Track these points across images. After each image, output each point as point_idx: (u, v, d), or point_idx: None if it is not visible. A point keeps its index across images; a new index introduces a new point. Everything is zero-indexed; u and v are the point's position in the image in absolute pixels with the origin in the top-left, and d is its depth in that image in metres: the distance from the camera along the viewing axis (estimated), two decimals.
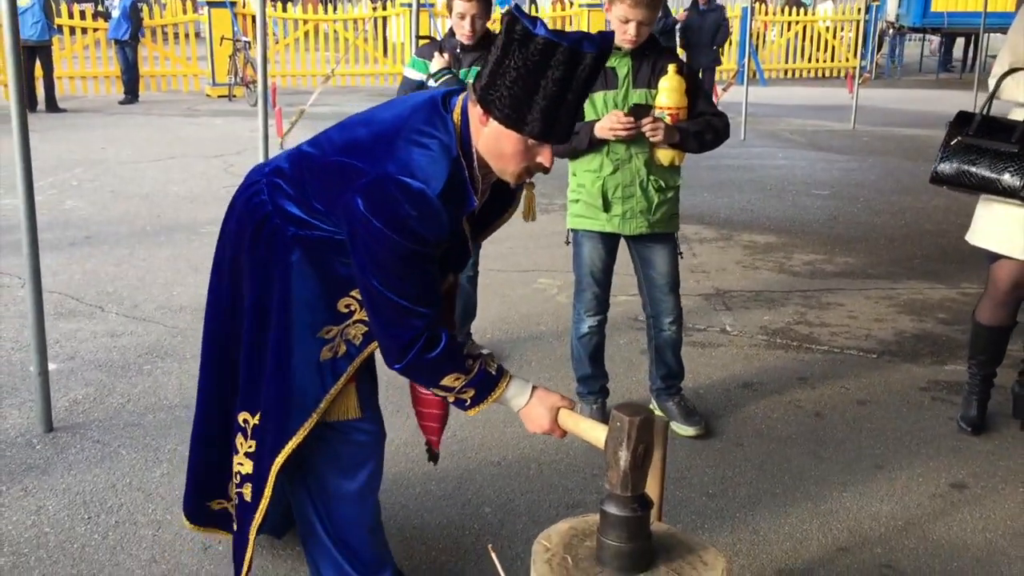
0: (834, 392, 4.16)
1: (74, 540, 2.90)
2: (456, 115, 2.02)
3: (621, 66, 3.38)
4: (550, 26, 1.87)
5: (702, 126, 3.37)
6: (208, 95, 15.20)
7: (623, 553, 1.99)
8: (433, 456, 2.64)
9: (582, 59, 1.83)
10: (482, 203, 2.16)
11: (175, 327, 4.74)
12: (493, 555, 1.86)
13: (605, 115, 3.32)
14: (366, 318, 2.13)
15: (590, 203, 3.48)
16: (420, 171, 1.94)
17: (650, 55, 3.39)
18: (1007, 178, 3.35)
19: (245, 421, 2.28)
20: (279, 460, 2.24)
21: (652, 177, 3.45)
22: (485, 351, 2.20)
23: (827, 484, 3.35)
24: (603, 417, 3.67)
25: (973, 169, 3.44)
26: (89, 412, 3.77)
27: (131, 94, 14.03)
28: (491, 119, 1.91)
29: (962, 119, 3.58)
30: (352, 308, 2.15)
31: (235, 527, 2.43)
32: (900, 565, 2.88)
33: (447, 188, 1.95)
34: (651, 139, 3.29)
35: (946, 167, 3.52)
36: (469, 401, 2.09)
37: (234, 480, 2.38)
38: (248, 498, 2.32)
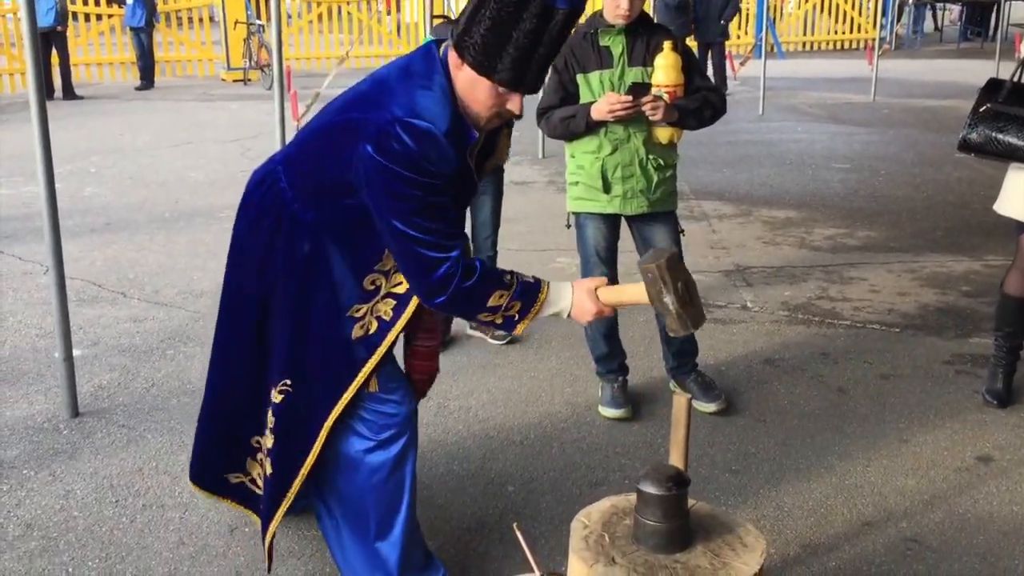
0: (857, 367, 4.13)
1: (102, 523, 2.93)
2: (440, 57, 2.10)
3: (615, 44, 3.35)
4: None
5: (700, 102, 3.35)
6: (223, 79, 15.22)
7: (659, 532, 1.98)
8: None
9: (554, 14, 1.93)
10: (481, 141, 2.21)
11: (196, 312, 4.76)
12: (519, 534, 1.86)
13: (601, 96, 3.30)
14: (394, 291, 2.19)
15: (590, 185, 3.47)
16: (426, 111, 2.02)
17: (644, 32, 3.37)
18: None
19: (269, 394, 2.32)
20: (319, 441, 2.28)
21: (651, 156, 3.43)
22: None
23: (851, 459, 3.34)
24: (624, 395, 3.67)
25: (1001, 136, 3.39)
26: (114, 397, 3.80)
27: (147, 80, 14.07)
28: (465, 64, 2.00)
29: (992, 86, 3.54)
30: (378, 284, 2.19)
31: (264, 497, 2.46)
32: (926, 539, 2.87)
33: (451, 127, 2.03)
34: (651, 118, 3.26)
35: (974, 134, 3.47)
36: (517, 316, 2.13)
37: (258, 455, 2.43)
38: (268, 473, 2.38)
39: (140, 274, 5.36)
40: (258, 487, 2.51)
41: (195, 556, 2.77)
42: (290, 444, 2.32)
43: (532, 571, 1.83)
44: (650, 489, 2.01)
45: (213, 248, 5.88)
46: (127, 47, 14.94)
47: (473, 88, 2.03)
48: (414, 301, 2.19)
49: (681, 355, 3.72)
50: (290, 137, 5.64)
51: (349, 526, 2.41)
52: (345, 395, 2.23)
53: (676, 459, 2.26)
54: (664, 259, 2.08)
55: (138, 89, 13.88)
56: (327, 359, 2.23)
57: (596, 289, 2.20)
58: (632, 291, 2.18)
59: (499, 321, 2.13)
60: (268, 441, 2.35)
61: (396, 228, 2.03)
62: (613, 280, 3.62)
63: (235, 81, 14.94)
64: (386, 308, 2.21)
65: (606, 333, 3.68)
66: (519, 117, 2.11)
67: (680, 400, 2.27)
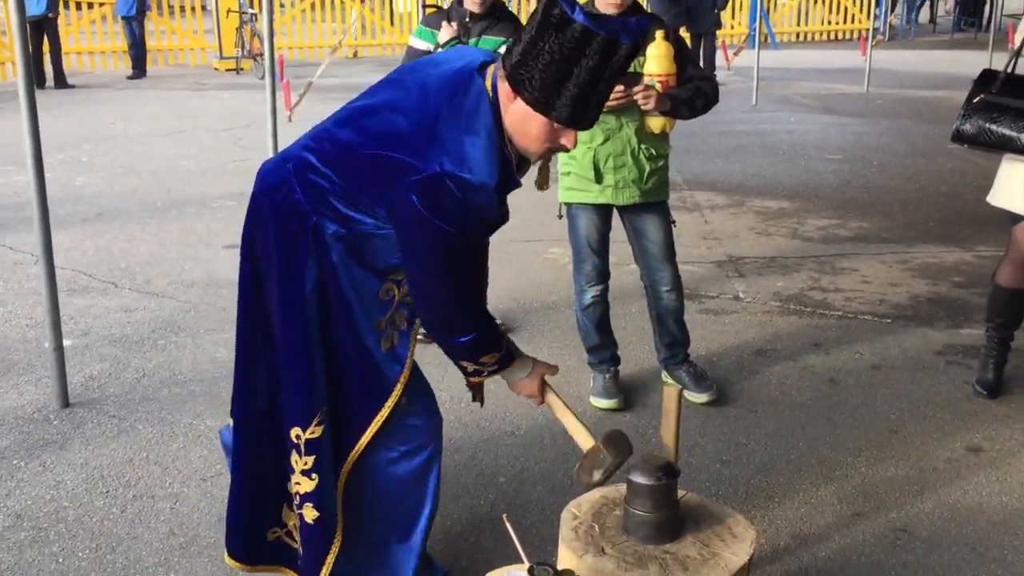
0: (848, 357, 4.14)
1: (92, 514, 2.93)
2: (488, 88, 1.96)
3: None
4: None
5: (692, 92, 3.33)
6: (216, 68, 15.15)
7: (649, 523, 1.99)
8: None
9: (617, 49, 1.82)
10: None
11: (188, 302, 4.75)
12: (508, 525, 1.86)
13: None
14: (407, 300, 2.14)
15: (581, 175, 3.46)
16: (476, 163, 1.89)
17: None
18: None
19: (297, 437, 2.13)
20: (348, 463, 2.19)
21: (643, 145, 3.42)
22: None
23: (842, 450, 3.35)
24: (616, 386, 3.67)
25: (994, 127, 3.40)
26: (105, 387, 3.79)
27: (139, 69, 14.00)
28: (519, 99, 1.88)
29: (986, 77, 3.54)
30: (392, 294, 2.13)
31: (300, 551, 2.28)
32: (916, 530, 2.87)
33: (501, 178, 1.92)
34: (643, 107, 3.25)
35: (968, 125, 3.47)
36: (486, 371, 2.15)
37: (294, 503, 2.23)
38: (310, 519, 2.17)
39: (131, 264, 5.35)
40: (294, 539, 2.33)
41: (185, 547, 2.76)
42: (329, 479, 2.17)
43: (522, 561, 1.83)
44: (640, 480, 2.01)
45: (205, 237, 5.87)
46: (119, 36, 14.85)
47: (526, 123, 1.91)
48: None
49: (673, 346, 3.72)
50: (282, 127, 5.63)
51: (366, 534, 2.29)
52: (381, 413, 2.14)
53: (667, 450, 2.27)
54: (610, 458, 2.12)
55: (130, 78, 13.81)
56: (362, 380, 2.13)
57: (544, 379, 2.25)
58: (571, 423, 2.24)
59: (469, 368, 2.15)
60: (307, 484, 2.15)
61: (430, 277, 1.98)
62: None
63: (227, 70, 14.87)
64: (400, 318, 2.16)
65: (598, 324, 3.68)
66: (568, 151, 2.03)
67: (671, 391, 2.28)
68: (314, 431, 2.12)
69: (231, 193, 6.91)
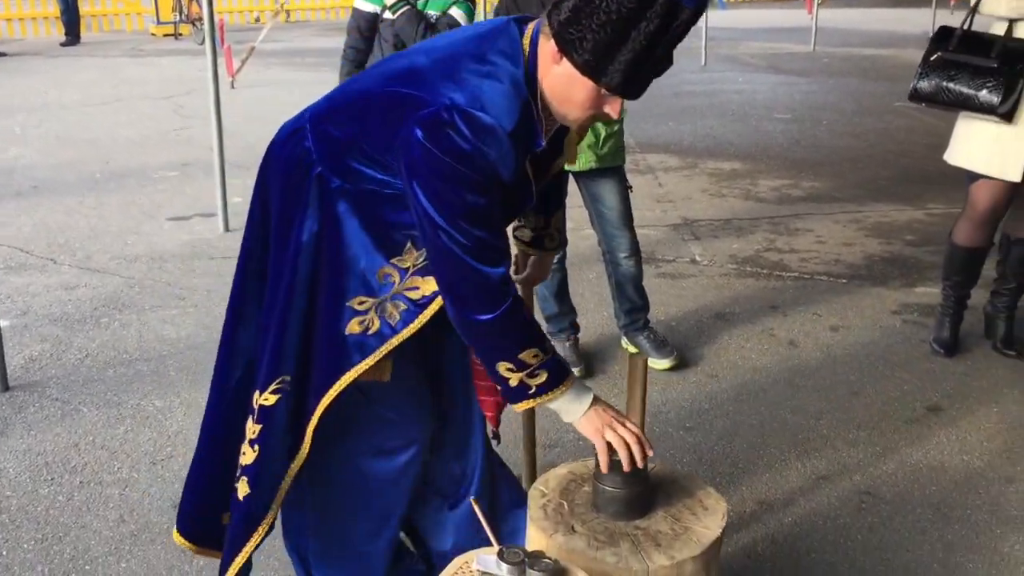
0: (806, 319, 4.13)
1: (37, 503, 2.80)
2: (525, 45, 1.77)
3: None
4: None
5: None
6: (153, 34, 14.68)
7: (619, 499, 1.93)
8: (494, 436, 2.28)
9: (680, 13, 1.63)
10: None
11: (131, 277, 4.58)
12: (477, 508, 1.79)
13: None
14: (407, 294, 1.87)
15: None
16: (492, 106, 1.71)
17: None
18: (984, 94, 3.29)
19: (255, 401, 1.96)
20: (302, 450, 1.95)
21: None
22: None
23: (803, 413, 3.33)
24: (576, 354, 3.61)
25: (951, 85, 3.37)
26: (46, 369, 3.64)
27: (72, 35, 13.51)
28: (565, 60, 1.70)
29: (942, 34, 3.51)
30: (392, 280, 1.87)
31: (231, 524, 2.05)
32: (880, 492, 2.87)
33: (518, 127, 1.72)
34: None
35: (924, 84, 3.45)
36: (534, 389, 1.80)
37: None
38: (241, 495, 1.97)
39: (70, 239, 5.15)
40: None
41: (137, 534, 2.66)
42: (271, 456, 1.95)
43: (491, 544, 1.76)
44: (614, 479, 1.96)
45: (147, 210, 5.68)
46: (51, 1, 14.33)
47: (571, 87, 1.71)
48: (428, 312, 1.87)
49: (633, 312, 3.67)
50: (225, 93, 5.45)
51: (334, 531, 2.15)
52: (327, 395, 1.90)
53: (632, 420, 2.21)
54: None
55: (63, 45, 13.32)
56: (321, 351, 1.93)
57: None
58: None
59: (513, 383, 1.80)
60: (248, 455, 1.95)
61: (439, 226, 1.72)
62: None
63: (165, 36, 14.43)
64: (393, 311, 1.88)
65: (556, 292, 3.61)
66: (611, 120, 1.86)
67: (637, 361, 2.21)
68: (267, 398, 1.93)
69: (173, 163, 6.70)
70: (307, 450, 1.96)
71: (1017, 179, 3.41)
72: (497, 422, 2.20)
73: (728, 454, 3.06)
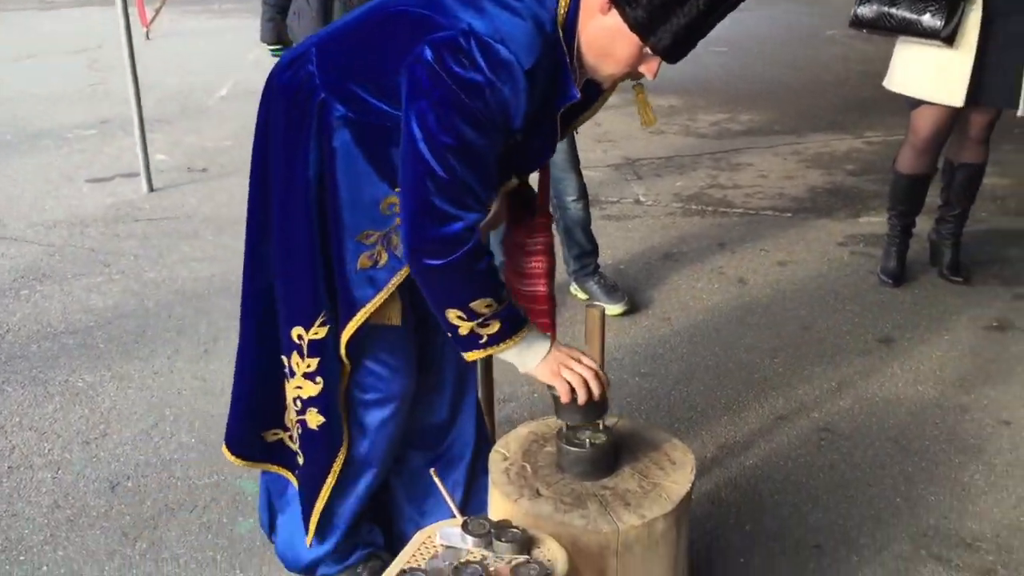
0: (754, 256, 4.08)
1: None
2: None
3: None
4: None
5: None
6: None
7: (584, 459, 1.85)
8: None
9: None
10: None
11: (51, 245, 4.34)
12: (436, 479, 1.69)
13: None
14: None
15: None
16: (512, 40, 1.57)
17: None
18: (927, 19, 3.23)
19: (300, 337, 1.91)
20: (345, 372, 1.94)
21: None
22: None
23: (757, 351, 3.29)
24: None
25: (893, 11, 3.30)
26: None
27: None
28: (614, 12, 1.59)
29: None
30: (396, 210, 1.78)
31: (300, 461, 2.06)
32: (838, 427, 2.84)
33: (537, 68, 1.59)
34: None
35: (865, 9, 3.37)
36: (485, 339, 1.72)
37: (293, 407, 2.01)
38: (314, 425, 1.97)
39: None
40: (293, 443, 2.12)
41: (74, 519, 2.51)
42: (334, 383, 1.95)
43: (452, 515, 1.67)
44: (573, 415, 1.87)
45: (65, 172, 5.39)
46: None
47: (614, 41, 1.60)
48: None
49: (582, 257, 3.58)
50: (140, 45, 5.15)
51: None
52: (346, 330, 1.86)
53: None
54: None
55: None
56: (339, 287, 1.86)
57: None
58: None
59: (463, 331, 1.72)
60: (310, 388, 1.94)
61: (422, 157, 1.59)
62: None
63: None
64: (399, 242, 1.79)
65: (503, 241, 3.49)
66: (642, 79, 1.73)
67: (593, 313, 2.12)
68: (317, 332, 1.90)
69: (90, 121, 6.38)
70: (349, 368, 1.96)
71: (960, 104, 3.37)
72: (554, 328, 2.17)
73: (685, 398, 3.01)
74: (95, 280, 3.94)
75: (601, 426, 1.91)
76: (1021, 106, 3.36)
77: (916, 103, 3.50)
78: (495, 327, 1.72)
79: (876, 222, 4.35)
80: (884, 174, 5.00)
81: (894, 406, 2.95)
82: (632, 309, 3.57)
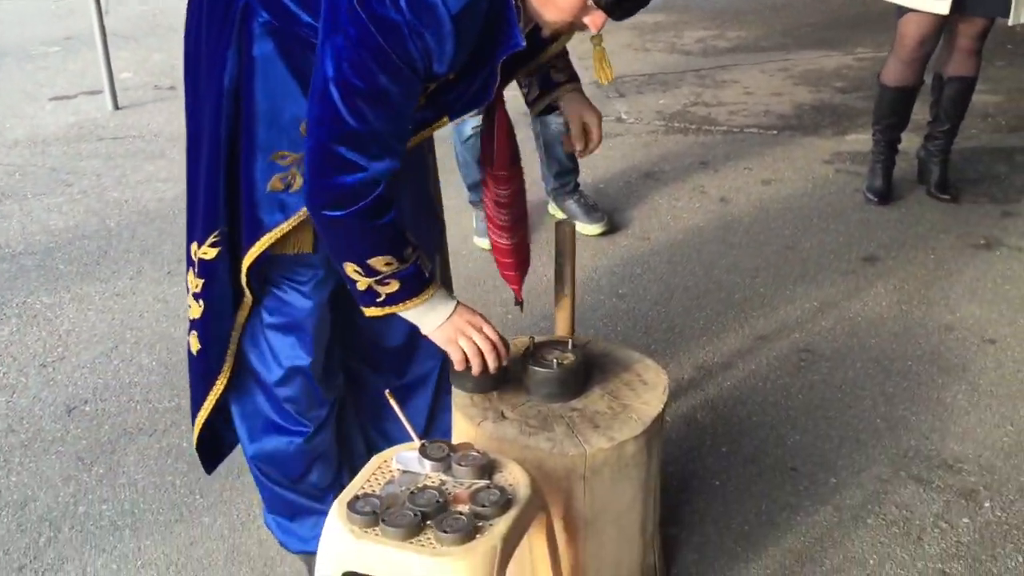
0: (738, 174, 3.96)
1: None
2: None
3: None
4: None
5: None
6: None
7: (552, 379, 1.76)
8: (518, 303, 2.14)
9: None
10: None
11: (11, 164, 4.18)
12: (392, 402, 1.60)
13: None
14: None
15: None
16: None
17: None
18: None
19: (193, 253, 1.79)
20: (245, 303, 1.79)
21: None
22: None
23: (738, 271, 3.20)
24: None
25: None
26: None
27: None
28: None
29: None
30: None
31: (193, 376, 1.92)
32: (819, 348, 2.77)
33: (467, 13, 1.44)
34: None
35: None
36: (382, 297, 1.62)
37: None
38: (194, 350, 1.84)
39: None
40: None
41: (28, 444, 2.42)
42: (219, 310, 1.81)
43: (411, 439, 1.58)
44: (540, 336, 1.78)
45: (28, 90, 5.20)
46: None
47: None
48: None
49: (562, 175, 3.45)
50: None
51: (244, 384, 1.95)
52: (249, 254, 1.71)
53: (564, 293, 2.03)
54: None
55: None
56: (244, 207, 1.72)
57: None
58: None
59: (360, 287, 1.61)
60: (195, 310, 1.81)
61: (331, 98, 1.46)
62: None
63: None
64: None
65: (479, 158, 3.35)
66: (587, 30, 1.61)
67: (564, 228, 2.02)
68: (207, 251, 1.76)
69: (54, 37, 6.14)
70: (251, 300, 1.80)
71: (946, 11, 3.23)
72: (519, 291, 2.08)
73: (664, 319, 2.92)
74: (56, 200, 3.80)
75: (571, 345, 1.83)
76: (1013, 15, 3.22)
77: (903, 11, 3.35)
78: (393, 287, 1.61)
79: (863, 140, 4.22)
80: (872, 91, 4.84)
81: (877, 326, 2.88)
82: (611, 229, 3.46)
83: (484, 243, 3.34)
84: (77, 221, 3.62)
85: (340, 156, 1.50)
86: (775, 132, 4.41)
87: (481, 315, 1.73)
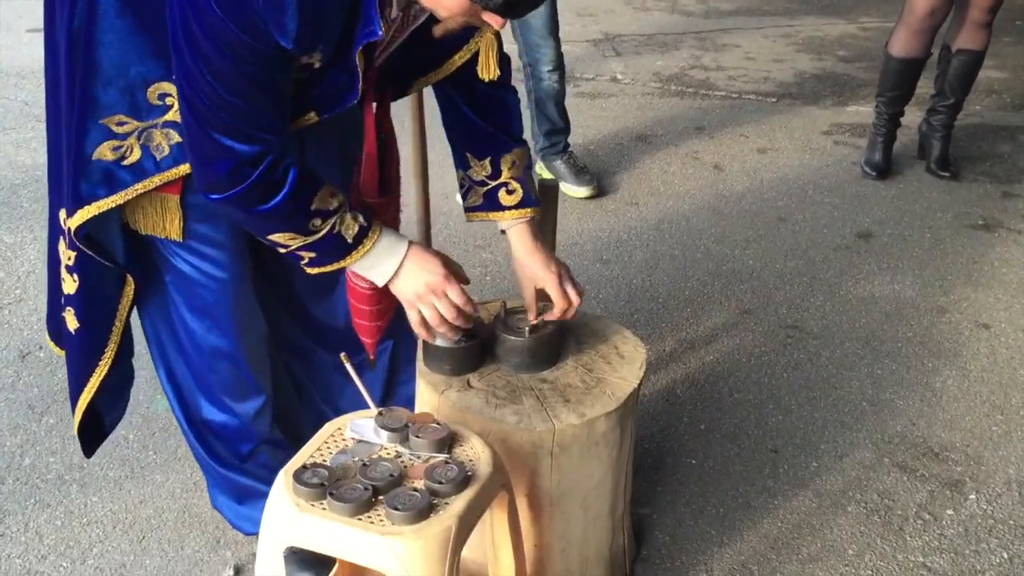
0: (733, 141, 3.84)
1: None
2: None
3: None
4: None
5: None
6: None
7: (522, 348, 1.65)
8: (370, 363, 1.88)
9: None
10: (401, 40, 1.50)
11: None
12: (348, 366, 1.50)
13: None
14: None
15: None
16: None
17: None
18: None
19: (64, 221, 1.57)
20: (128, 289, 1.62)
21: None
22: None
23: (728, 242, 3.09)
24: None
25: None
26: None
27: None
28: None
29: None
30: (170, 103, 1.45)
31: (71, 358, 1.72)
32: (806, 325, 2.67)
33: None
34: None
35: None
36: (307, 260, 1.49)
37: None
38: (71, 328, 1.64)
39: None
40: None
41: None
42: (95, 284, 1.61)
43: (367, 407, 1.48)
44: (511, 302, 1.67)
45: (5, 20, 5.01)
46: None
47: None
48: None
49: (552, 134, 3.33)
50: None
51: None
52: (70, 222, 1.51)
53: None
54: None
55: None
56: (67, 173, 1.52)
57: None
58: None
59: (281, 250, 1.48)
60: (69, 284, 1.61)
61: (186, 73, 1.32)
62: None
63: None
64: (163, 141, 1.47)
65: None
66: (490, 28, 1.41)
67: (547, 188, 1.92)
68: (76, 220, 1.54)
69: None
70: (129, 301, 1.63)
71: None
72: (372, 349, 1.78)
73: (647, 288, 2.82)
74: (25, 135, 3.66)
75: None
76: None
77: None
78: (308, 256, 1.48)
79: (864, 111, 4.12)
80: (877, 61, 4.73)
81: (868, 305, 2.78)
82: (599, 192, 3.35)
83: None
84: (46, 159, 3.47)
85: (210, 138, 1.35)
86: (774, 100, 4.28)
87: (442, 260, 1.56)
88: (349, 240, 1.48)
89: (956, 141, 3.62)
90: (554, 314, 1.67)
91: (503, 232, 1.72)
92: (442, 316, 1.56)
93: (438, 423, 1.45)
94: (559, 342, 1.72)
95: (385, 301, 1.67)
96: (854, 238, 3.14)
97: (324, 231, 1.45)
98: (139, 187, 1.48)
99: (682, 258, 2.98)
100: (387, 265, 1.53)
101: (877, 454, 2.19)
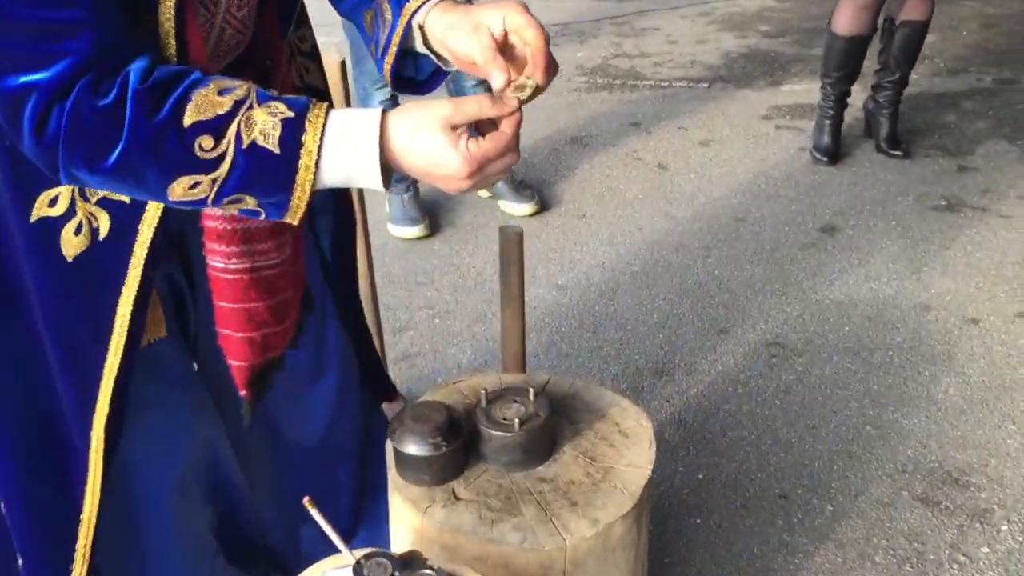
0: (673, 135, 3.61)
1: None
2: None
3: None
4: None
5: None
6: None
7: (512, 445, 1.38)
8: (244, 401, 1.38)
9: None
10: None
11: None
12: (312, 511, 1.20)
13: None
14: None
15: None
16: None
17: None
18: None
19: None
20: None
21: None
22: None
23: (688, 251, 2.86)
24: (417, 208, 2.98)
25: None
26: None
27: None
28: None
29: None
30: None
31: None
32: (788, 340, 2.46)
33: None
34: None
35: None
36: (264, 213, 1.02)
37: None
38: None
39: None
40: None
41: None
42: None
43: (339, 551, 1.20)
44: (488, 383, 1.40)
45: None
46: None
47: None
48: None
49: None
50: None
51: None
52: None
53: (512, 310, 1.67)
54: None
55: None
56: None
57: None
58: None
59: (212, 222, 1.18)
60: None
61: None
62: None
63: None
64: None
65: None
66: None
67: (509, 235, 1.64)
68: None
69: None
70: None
71: None
72: (249, 391, 1.35)
73: (612, 315, 2.57)
74: None
75: (532, 394, 1.44)
76: None
77: None
78: (247, 203, 1.00)
79: (799, 90, 3.94)
80: (801, 35, 4.59)
81: (847, 309, 2.58)
82: (542, 207, 3.08)
83: (402, 231, 2.93)
84: None
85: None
86: (706, 85, 4.07)
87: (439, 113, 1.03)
88: (275, 149, 0.96)
89: (901, 116, 3.46)
90: (539, 66, 1.08)
91: (425, 42, 1.18)
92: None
93: (430, 566, 1.17)
94: (553, 429, 1.46)
95: (262, 298, 1.24)
96: (818, 234, 2.94)
97: (226, 150, 0.96)
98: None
99: (643, 275, 2.74)
100: (368, 167, 1.01)
101: (894, 487, 1.99)
